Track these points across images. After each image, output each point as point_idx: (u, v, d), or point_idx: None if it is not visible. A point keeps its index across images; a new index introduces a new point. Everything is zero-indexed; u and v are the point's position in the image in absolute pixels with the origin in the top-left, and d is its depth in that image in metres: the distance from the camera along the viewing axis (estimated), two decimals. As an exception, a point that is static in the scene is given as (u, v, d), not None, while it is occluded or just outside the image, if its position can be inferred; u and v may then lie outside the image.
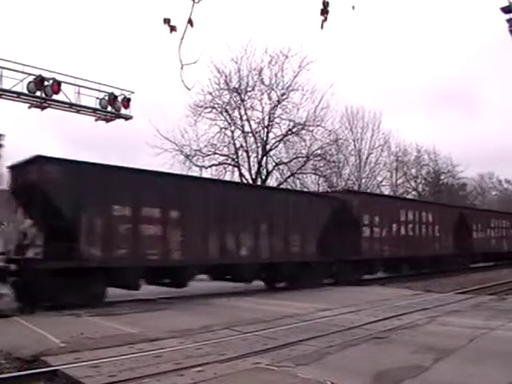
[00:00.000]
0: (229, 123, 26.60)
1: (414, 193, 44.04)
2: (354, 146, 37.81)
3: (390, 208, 20.53)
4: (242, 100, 26.55)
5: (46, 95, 17.05)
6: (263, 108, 26.83)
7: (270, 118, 26.90)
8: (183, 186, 12.93)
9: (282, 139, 27.28)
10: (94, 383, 5.01)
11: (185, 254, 12.54)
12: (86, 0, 48.86)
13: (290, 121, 27.12)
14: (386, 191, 39.30)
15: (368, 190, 34.98)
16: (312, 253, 16.24)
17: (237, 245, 13.94)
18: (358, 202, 18.83)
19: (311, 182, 30.67)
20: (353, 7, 3.64)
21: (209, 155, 26.54)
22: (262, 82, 26.58)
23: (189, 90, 3.23)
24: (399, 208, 21.27)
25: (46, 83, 16.88)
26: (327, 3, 3.48)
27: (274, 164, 27.68)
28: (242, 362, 5.92)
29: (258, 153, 27.12)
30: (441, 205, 29.39)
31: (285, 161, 27.94)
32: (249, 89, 26.48)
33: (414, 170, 44.64)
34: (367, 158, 38.24)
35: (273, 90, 26.80)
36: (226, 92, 26.29)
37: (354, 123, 37.78)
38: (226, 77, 25.99)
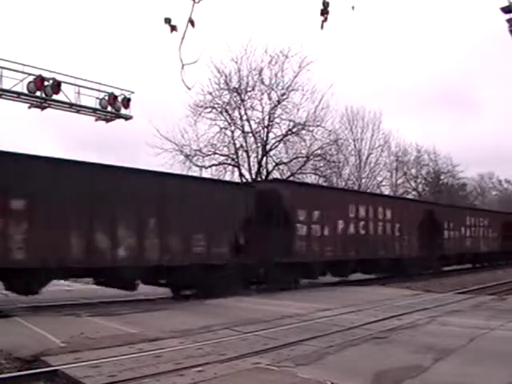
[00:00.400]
0: (229, 123, 26.63)
1: (414, 193, 44.07)
2: (354, 145, 37.87)
3: (336, 202, 17.30)
4: (242, 100, 26.57)
5: (46, 95, 17.07)
6: (263, 108, 26.86)
7: (270, 117, 26.92)
8: (32, 170, 10.27)
9: (282, 139, 27.29)
10: (94, 383, 5.01)
11: (31, 254, 10.04)
12: (86, 0, 48.87)
13: (290, 121, 27.15)
14: (386, 191, 39.30)
15: (368, 190, 34.91)
16: (224, 254, 13.50)
17: (112, 243, 11.34)
18: (290, 193, 15.69)
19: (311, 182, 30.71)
20: (352, 7, 3.64)
21: (209, 155, 26.58)
22: (262, 82, 26.60)
23: (189, 89, 3.24)
24: (348, 202, 18.07)
25: (46, 83, 16.90)
26: (327, 3, 3.48)
27: (274, 164, 27.69)
28: (242, 362, 5.93)
29: (258, 153, 27.15)
30: (403, 199, 27.03)
31: (285, 161, 27.95)
32: (249, 89, 26.50)
33: (414, 170, 44.70)
34: (367, 158, 38.30)
35: (273, 89, 26.82)
36: (226, 92, 26.32)
37: (354, 123, 37.84)
38: (226, 77, 26.01)
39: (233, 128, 26.69)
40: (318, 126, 27.60)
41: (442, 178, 46.38)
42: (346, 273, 18.38)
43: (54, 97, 17.34)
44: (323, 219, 16.55)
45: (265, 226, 14.28)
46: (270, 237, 14.20)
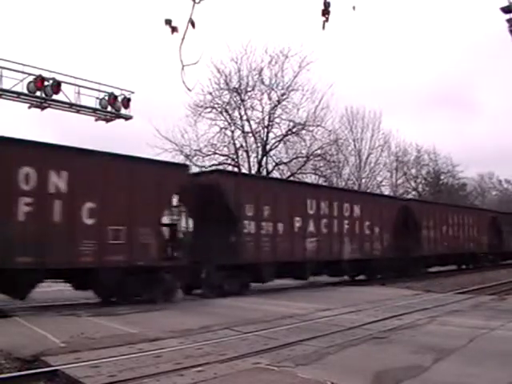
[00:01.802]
0: (229, 123, 26.65)
1: (414, 193, 44.05)
2: (354, 145, 37.90)
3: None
4: (242, 100, 26.58)
5: (46, 95, 17.07)
6: (263, 108, 26.91)
7: (270, 117, 26.95)
8: None
9: (282, 139, 27.33)
10: (94, 383, 5.01)
11: None
12: (86, 0, 48.89)
13: (290, 121, 27.20)
14: (386, 191, 39.27)
15: (368, 190, 34.86)
16: None
17: None
18: None
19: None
20: (353, 7, 3.65)
21: (209, 155, 26.61)
22: (262, 82, 26.64)
23: (189, 90, 3.24)
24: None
25: (46, 83, 16.90)
26: (328, 4, 3.49)
27: (274, 164, 27.75)
28: (242, 362, 5.92)
29: (258, 153, 27.18)
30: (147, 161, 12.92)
31: (285, 161, 28.00)
32: (249, 89, 26.54)
33: (414, 170, 44.71)
34: (367, 158, 38.32)
35: (273, 90, 26.87)
36: (226, 92, 26.35)
37: (354, 123, 37.87)
38: (226, 77, 26.05)
39: (233, 128, 26.75)
40: (318, 125, 27.70)
41: (442, 178, 46.39)
42: (24, 293, 10.13)
43: (54, 97, 17.34)
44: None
45: None
46: None
